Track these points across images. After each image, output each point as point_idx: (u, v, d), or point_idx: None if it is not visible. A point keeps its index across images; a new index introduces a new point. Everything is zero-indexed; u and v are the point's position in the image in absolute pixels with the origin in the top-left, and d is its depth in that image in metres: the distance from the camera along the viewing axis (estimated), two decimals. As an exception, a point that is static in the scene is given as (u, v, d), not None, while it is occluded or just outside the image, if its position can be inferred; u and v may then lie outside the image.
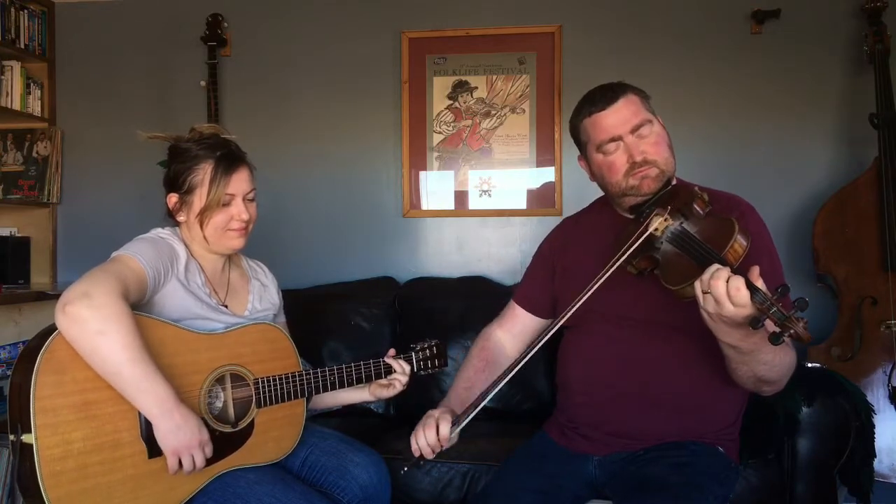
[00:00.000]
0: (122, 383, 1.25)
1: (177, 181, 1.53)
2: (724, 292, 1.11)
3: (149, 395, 1.26)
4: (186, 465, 1.30)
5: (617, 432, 1.45)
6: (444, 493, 1.97)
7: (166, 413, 1.27)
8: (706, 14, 2.73)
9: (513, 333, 1.72)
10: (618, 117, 1.45)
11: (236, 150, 1.56)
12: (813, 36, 2.69)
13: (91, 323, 1.20)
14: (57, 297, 1.24)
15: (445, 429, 1.45)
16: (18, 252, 2.82)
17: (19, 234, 2.98)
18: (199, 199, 1.50)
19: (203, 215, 1.49)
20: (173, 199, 1.54)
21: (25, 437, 1.19)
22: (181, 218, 1.54)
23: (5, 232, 2.96)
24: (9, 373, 2.34)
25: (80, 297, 1.21)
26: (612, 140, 1.46)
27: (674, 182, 1.48)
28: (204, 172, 1.49)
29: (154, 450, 1.30)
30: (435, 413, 1.49)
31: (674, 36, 2.72)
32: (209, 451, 1.33)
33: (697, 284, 1.16)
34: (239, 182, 1.52)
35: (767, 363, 1.27)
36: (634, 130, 1.45)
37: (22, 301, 2.56)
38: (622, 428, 1.47)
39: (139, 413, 1.29)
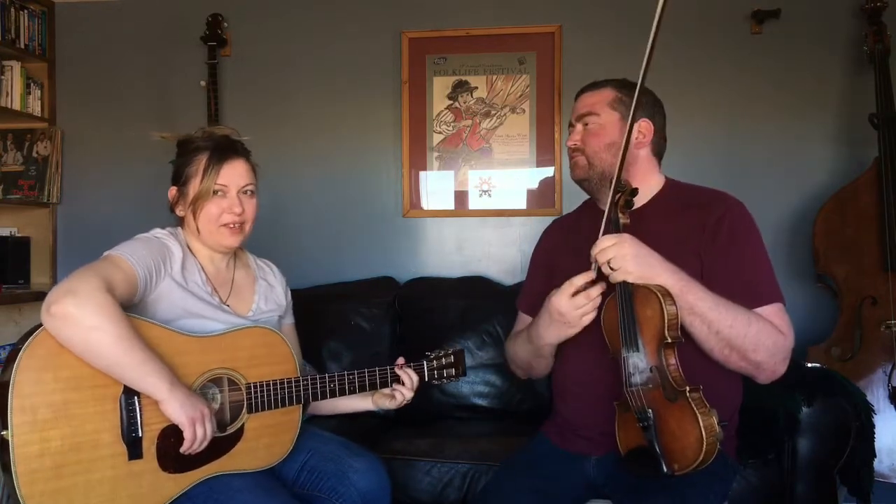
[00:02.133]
0: (124, 372, 1.26)
1: (178, 174, 1.54)
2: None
3: (153, 376, 1.27)
4: (200, 434, 1.31)
5: (613, 433, 1.45)
6: (444, 493, 1.97)
7: (174, 388, 1.29)
8: (706, 14, 2.73)
9: None
10: (578, 104, 1.58)
11: (238, 144, 1.57)
12: (813, 36, 2.69)
13: (82, 320, 1.20)
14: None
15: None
16: (18, 252, 2.83)
17: (19, 234, 2.98)
18: (192, 189, 1.50)
19: (195, 204, 1.49)
20: (173, 191, 1.56)
21: (4, 434, 1.19)
22: (179, 211, 1.55)
23: (5, 232, 2.96)
24: (8, 373, 2.35)
25: (64, 295, 1.21)
26: (571, 125, 1.59)
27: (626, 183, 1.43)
28: (199, 163, 1.51)
29: (135, 451, 1.29)
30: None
31: (674, 36, 2.71)
32: (210, 424, 1.33)
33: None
34: (232, 174, 1.51)
35: (725, 321, 1.31)
36: (581, 119, 1.55)
37: (22, 301, 2.57)
38: None
39: (120, 414, 1.28)
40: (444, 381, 1.71)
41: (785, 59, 2.70)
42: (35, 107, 2.99)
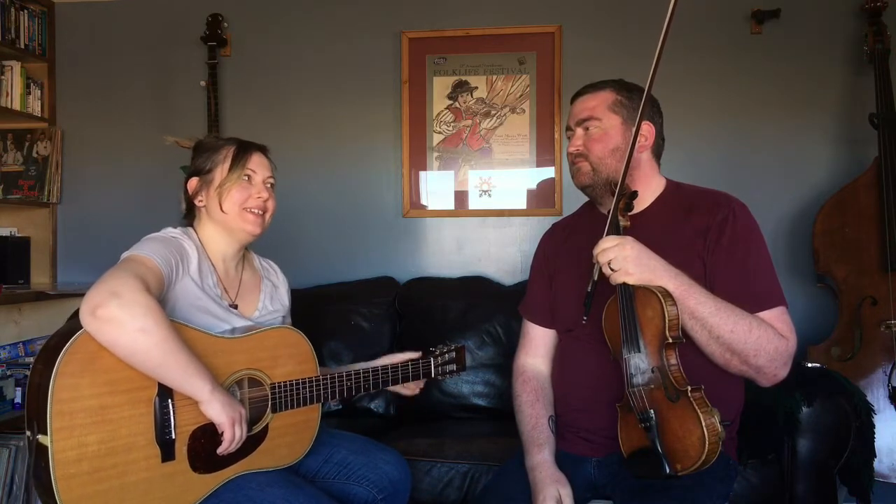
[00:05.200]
0: (168, 373, 1.27)
1: (200, 167, 1.57)
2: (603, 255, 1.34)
3: (196, 377, 1.28)
4: (238, 434, 1.34)
5: (615, 435, 1.45)
6: (444, 493, 1.98)
7: (215, 389, 1.31)
8: (706, 14, 2.73)
9: (542, 355, 1.68)
10: (577, 108, 1.55)
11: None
12: (813, 36, 2.69)
13: (129, 322, 1.20)
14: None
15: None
16: (18, 252, 2.82)
17: (19, 234, 2.98)
18: (219, 175, 1.54)
19: (222, 188, 1.52)
20: (194, 182, 1.57)
21: (41, 438, 1.19)
22: (200, 200, 1.56)
23: (5, 232, 2.96)
24: (9, 373, 2.36)
25: (109, 298, 1.20)
26: (569, 129, 1.56)
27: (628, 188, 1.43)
28: (227, 152, 1.56)
29: (168, 453, 1.31)
30: (549, 492, 1.43)
31: (674, 36, 2.68)
32: (246, 424, 1.37)
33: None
34: (259, 164, 1.58)
35: (726, 326, 1.31)
36: (581, 123, 1.52)
37: (22, 301, 2.56)
38: None
39: (154, 417, 1.29)
40: (447, 376, 1.77)
41: (785, 59, 2.70)
42: (35, 107, 2.99)
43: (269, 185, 1.59)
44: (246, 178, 1.55)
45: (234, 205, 1.53)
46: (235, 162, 1.54)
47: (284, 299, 1.71)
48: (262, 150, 1.61)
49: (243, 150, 1.56)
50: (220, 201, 1.52)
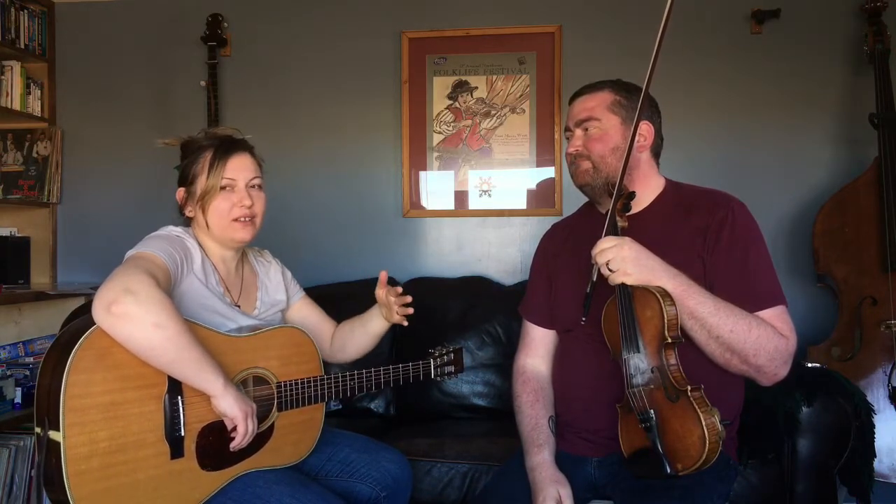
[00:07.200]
0: (182, 367, 1.27)
1: (185, 175, 1.54)
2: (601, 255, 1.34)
3: (209, 372, 1.29)
4: (251, 428, 1.35)
5: (615, 435, 1.45)
6: (444, 493, 1.98)
7: (228, 385, 1.32)
8: (706, 14, 2.73)
9: (541, 356, 1.68)
10: (576, 108, 1.55)
11: (241, 140, 1.57)
12: (813, 36, 2.69)
13: (144, 317, 1.20)
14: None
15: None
16: (18, 252, 2.82)
17: (19, 234, 2.98)
18: (200, 186, 1.50)
19: (203, 200, 1.49)
20: (181, 193, 1.55)
21: (53, 434, 1.19)
22: (189, 212, 1.55)
23: (5, 232, 2.96)
24: (9, 373, 2.35)
25: (123, 294, 1.20)
26: (568, 129, 1.57)
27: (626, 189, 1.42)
28: (205, 160, 1.51)
29: (177, 450, 1.31)
30: (548, 492, 1.43)
31: (674, 36, 2.69)
32: (255, 419, 1.38)
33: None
34: (239, 167, 1.52)
35: (726, 326, 1.31)
36: (580, 124, 1.52)
37: (22, 301, 2.56)
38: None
39: (164, 414, 1.30)
40: (446, 377, 1.78)
41: (785, 59, 2.70)
42: (35, 107, 2.99)
43: (254, 187, 1.54)
44: (227, 186, 1.50)
45: (221, 218, 1.50)
46: (213, 170, 1.48)
47: (281, 293, 1.70)
48: (243, 148, 1.55)
49: (220, 155, 1.50)
50: (205, 214, 1.49)
